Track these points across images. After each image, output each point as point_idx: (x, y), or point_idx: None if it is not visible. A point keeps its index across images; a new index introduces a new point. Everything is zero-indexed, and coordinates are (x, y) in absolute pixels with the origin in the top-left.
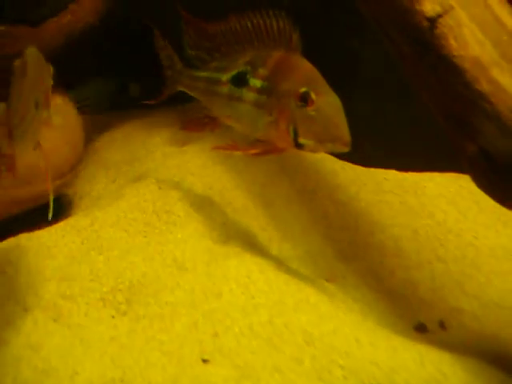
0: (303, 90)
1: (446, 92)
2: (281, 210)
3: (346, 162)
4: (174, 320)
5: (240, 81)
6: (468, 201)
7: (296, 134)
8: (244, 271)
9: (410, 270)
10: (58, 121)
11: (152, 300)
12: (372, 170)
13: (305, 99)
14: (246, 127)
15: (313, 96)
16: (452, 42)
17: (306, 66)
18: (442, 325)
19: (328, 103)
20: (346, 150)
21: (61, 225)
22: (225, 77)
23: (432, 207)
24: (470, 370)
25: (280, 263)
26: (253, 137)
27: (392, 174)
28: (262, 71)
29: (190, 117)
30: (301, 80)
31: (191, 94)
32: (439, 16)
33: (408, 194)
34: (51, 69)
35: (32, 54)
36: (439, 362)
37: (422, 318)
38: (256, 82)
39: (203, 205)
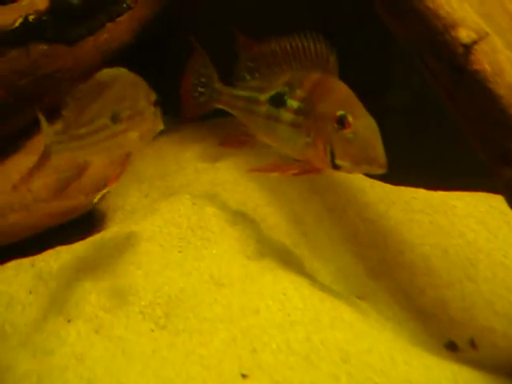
0: (340, 113)
1: (482, 117)
2: (312, 227)
3: (375, 180)
4: (213, 335)
5: (278, 101)
6: (498, 221)
7: (333, 155)
8: (279, 288)
9: (441, 288)
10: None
11: (191, 315)
12: (401, 188)
13: (342, 122)
14: (284, 146)
15: (350, 119)
16: (487, 67)
17: (342, 89)
18: (472, 344)
19: (364, 126)
20: (381, 171)
21: (97, 238)
22: (263, 97)
23: (462, 227)
24: None
25: (314, 280)
26: (290, 155)
27: (421, 193)
28: (299, 92)
29: (227, 133)
30: (338, 103)
31: (230, 111)
32: (474, 42)
33: (437, 213)
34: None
35: (106, 74)
36: (472, 380)
37: (452, 336)
38: (293, 103)
39: (237, 221)
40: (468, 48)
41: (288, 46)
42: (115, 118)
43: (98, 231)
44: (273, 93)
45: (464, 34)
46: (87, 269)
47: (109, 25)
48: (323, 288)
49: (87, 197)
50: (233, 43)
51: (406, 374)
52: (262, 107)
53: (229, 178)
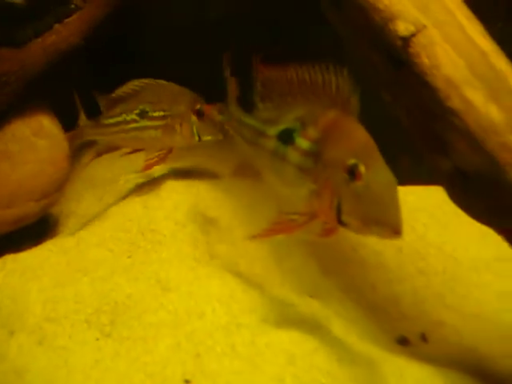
0: (352, 161)
1: (420, 110)
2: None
3: None
4: (158, 341)
5: (286, 137)
6: (449, 214)
7: (339, 210)
8: (227, 290)
9: (392, 284)
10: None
11: (136, 321)
12: None
13: (352, 172)
14: (286, 190)
15: (361, 169)
16: (425, 60)
17: (359, 134)
18: (423, 338)
19: (378, 180)
20: (396, 237)
21: (47, 245)
22: (272, 130)
23: (413, 221)
24: (450, 382)
25: (264, 281)
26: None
27: None
28: (311, 131)
29: (240, 162)
30: (352, 149)
31: (236, 139)
32: (413, 35)
33: None
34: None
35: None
36: (420, 376)
37: (404, 331)
38: (302, 142)
39: (187, 224)
40: (406, 41)
41: (307, 76)
42: (142, 115)
43: (51, 237)
44: (282, 127)
45: (402, 27)
46: (33, 278)
47: (56, 26)
48: (273, 289)
49: (38, 203)
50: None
51: (353, 373)
52: (270, 142)
53: (182, 180)
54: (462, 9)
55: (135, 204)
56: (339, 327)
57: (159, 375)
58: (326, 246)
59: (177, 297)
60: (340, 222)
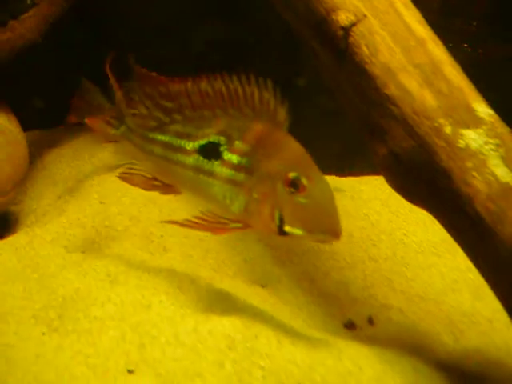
0: (294, 174)
1: (360, 98)
2: None
3: None
4: (102, 334)
5: (211, 152)
6: (400, 201)
7: (281, 221)
8: (175, 282)
9: (344, 270)
10: None
11: (82, 315)
12: None
13: (295, 185)
14: (217, 205)
15: (304, 182)
16: (364, 49)
17: (294, 146)
18: (370, 321)
19: (319, 190)
20: (335, 241)
21: (0, 243)
22: (191, 145)
23: (367, 209)
24: (386, 361)
25: (215, 272)
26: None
27: (330, 179)
28: (239, 145)
29: (132, 170)
30: (290, 162)
31: (143, 156)
32: (353, 25)
33: (345, 198)
34: None
35: None
36: (356, 356)
37: (352, 315)
38: (232, 157)
39: (141, 218)
40: (347, 30)
41: (224, 88)
42: None
43: (7, 236)
44: (204, 141)
45: (343, 17)
46: None
47: (12, 23)
48: (223, 279)
49: None
50: None
51: (291, 355)
52: (189, 157)
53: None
54: None
55: (92, 200)
56: (285, 314)
57: (101, 367)
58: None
59: (124, 290)
60: (281, 232)
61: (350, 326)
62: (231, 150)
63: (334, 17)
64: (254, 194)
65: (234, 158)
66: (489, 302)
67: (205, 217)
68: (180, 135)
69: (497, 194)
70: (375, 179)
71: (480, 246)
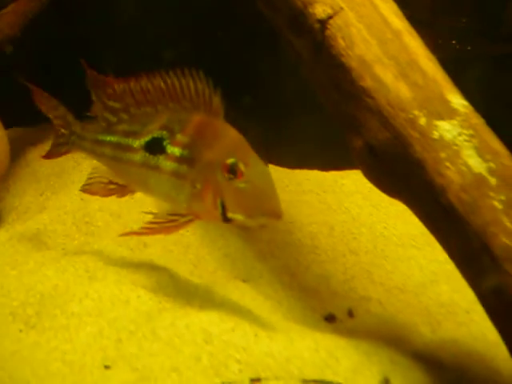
0: (231, 160)
1: (337, 90)
2: None
3: (270, 165)
4: (79, 329)
5: (155, 147)
6: (381, 194)
7: (224, 208)
8: (154, 277)
9: (325, 264)
10: None
11: (59, 311)
12: (295, 171)
13: (233, 171)
14: (165, 199)
15: (242, 167)
16: (340, 41)
17: (231, 133)
18: (350, 313)
19: (258, 174)
20: (277, 221)
21: None
22: (137, 142)
23: (348, 203)
24: (363, 352)
25: (195, 267)
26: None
27: (313, 174)
28: (180, 137)
29: (91, 179)
30: (227, 149)
31: (94, 159)
32: (329, 17)
33: (327, 192)
34: None
35: None
36: (334, 347)
37: (332, 308)
38: (174, 150)
39: (122, 214)
40: (323, 23)
41: (162, 84)
42: None
43: None
44: (148, 138)
45: (320, 10)
46: None
47: None
48: (202, 275)
49: None
50: None
51: (268, 348)
52: (136, 155)
53: None
54: None
55: (73, 197)
56: (264, 308)
57: (78, 363)
58: (263, 230)
59: (103, 285)
60: (225, 220)
61: (329, 318)
62: (173, 144)
63: (310, 10)
64: (197, 185)
65: (177, 151)
66: (466, 293)
67: (156, 219)
68: (127, 134)
69: (470, 184)
70: (356, 173)
71: (453, 237)
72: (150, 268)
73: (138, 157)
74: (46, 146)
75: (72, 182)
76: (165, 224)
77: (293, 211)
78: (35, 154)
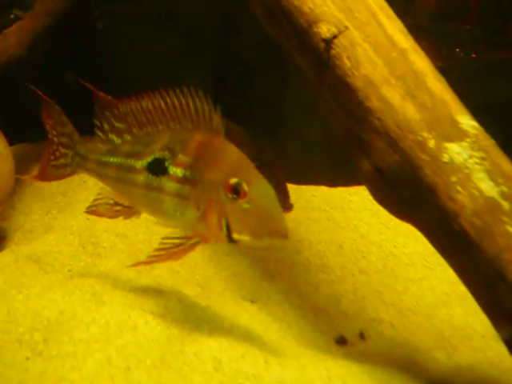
0: (234, 180)
1: (343, 111)
2: None
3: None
4: (87, 357)
5: (158, 168)
6: None
7: (229, 229)
8: (162, 301)
9: (334, 284)
10: None
11: (66, 338)
12: (302, 187)
13: (237, 191)
14: (169, 220)
15: (245, 187)
16: (346, 61)
17: (232, 152)
18: (361, 336)
19: (261, 193)
20: (284, 241)
21: None
22: (140, 163)
23: (357, 221)
24: (377, 379)
25: (202, 289)
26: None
27: (320, 191)
28: (182, 157)
29: (97, 200)
30: (230, 168)
31: (98, 180)
32: (334, 37)
33: (334, 209)
34: None
35: None
36: (346, 375)
37: (343, 330)
38: (177, 171)
39: (128, 235)
40: (328, 43)
41: (162, 103)
42: None
43: None
44: (151, 159)
45: (325, 29)
46: None
47: None
48: (210, 296)
49: None
50: None
51: (279, 376)
52: (140, 176)
53: None
54: (383, 8)
55: (78, 216)
56: (274, 331)
57: None
58: (271, 250)
59: (110, 310)
60: (231, 241)
61: (341, 341)
62: (175, 164)
63: (315, 29)
64: (201, 205)
65: (179, 172)
66: (481, 317)
67: (162, 245)
68: (130, 155)
69: (482, 208)
70: (365, 189)
71: (466, 263)
72: (158, 291)
73: (142, 178)
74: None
75: (78, 200)
76: (172, 250)
77: (301, 229)
78: None
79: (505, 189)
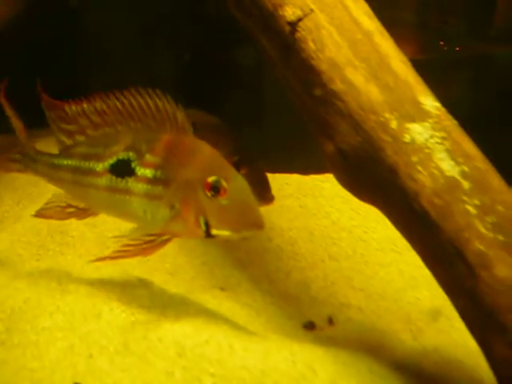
0: (213, 178)
1: (307, 94)
2: None
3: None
4: (50, 345)
5: (123, 170)
6: None
7: (208, 226)
8: (129, 289)
9: (305, 270)
10: None
11: (29, 327)
12: (275, 175)
13: (216, 189)
14: (138, 221)
15: (224, 184)
16: (311, 44)
17: (205, 150)
18: (330, 321)
19: (238, 188)
20: (260, 232)
21: None
22: (100, 166)
23: (328, 207)
24: (342, 363)
25: (171, 276)
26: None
27: (293, 178)
28: (150, 158)
29: (48, 203)
30: (205, 166)
31: (53, 185)
32: (299, 20)
33: (306, 196)
34: None
35: None
36: (311, 359)
37: (312, 316)
38: (146, 171)
39: (97, 223)
40: (293, 26)
41: (118, 104)
42: None
43: None
44: (113, 160)
45: (290, 12)
46: None
47: None
48: (179, 284)
49: None
50: None
51: (243, 361)
52: (101, 178)
53: None
54: None
55: None
56: (241, 317)
57: (47, 381)
58: (243, 238)
59: (74, 298)
60: (208, 236)
61: (309, 326)
62: (143, 165)
63: (280, 12)
64: (176, 205)
65: (148, 172)
66: (447, 299)
67: (131, 241)
68: (87, 157)
69: (442, 188)
70: None
71: (426, 242)
72: (125, 279)
73: (103, 180)
74: None
75: (48, 190)
76: (142, 245)
77: (273, 217)
78: None
79: (465, 168)
